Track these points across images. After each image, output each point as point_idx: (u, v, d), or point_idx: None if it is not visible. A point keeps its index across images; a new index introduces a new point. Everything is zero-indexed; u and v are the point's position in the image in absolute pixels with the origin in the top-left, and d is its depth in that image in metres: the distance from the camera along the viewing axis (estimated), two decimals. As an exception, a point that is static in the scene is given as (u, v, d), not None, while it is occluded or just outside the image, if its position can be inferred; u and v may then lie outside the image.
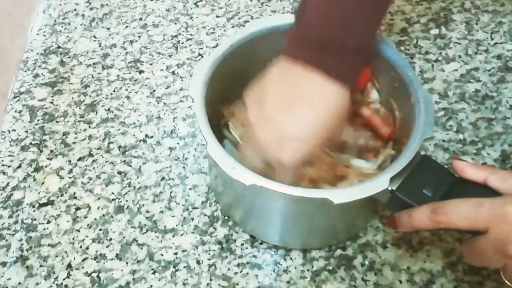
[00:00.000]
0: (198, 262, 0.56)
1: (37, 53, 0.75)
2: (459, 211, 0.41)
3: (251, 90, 0.49)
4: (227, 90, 0.56)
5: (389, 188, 0.46)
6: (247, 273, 0.55)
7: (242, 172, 0.46)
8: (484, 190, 0.43)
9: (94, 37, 0.77)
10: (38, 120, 0.68)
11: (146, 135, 0.66)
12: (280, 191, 0.46)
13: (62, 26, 0.79)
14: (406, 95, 0.52)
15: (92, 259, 0.56)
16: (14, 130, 0.67)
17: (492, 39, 0.76)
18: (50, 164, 0.64)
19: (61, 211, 0.60)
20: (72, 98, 0.70)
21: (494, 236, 0.40)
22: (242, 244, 0.57)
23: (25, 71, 0.73)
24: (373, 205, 0.49)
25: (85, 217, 0.59)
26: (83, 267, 0.56)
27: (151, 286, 0.54)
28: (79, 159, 0.64)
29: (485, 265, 0.42)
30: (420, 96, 0.51)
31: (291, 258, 0.56)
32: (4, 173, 0.63)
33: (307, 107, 0.46)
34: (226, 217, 0.59)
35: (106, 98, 0.70)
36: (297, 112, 0.46)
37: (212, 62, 0.54)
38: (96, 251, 0.57)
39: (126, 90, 0.71)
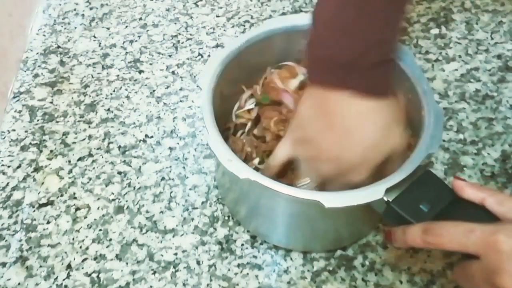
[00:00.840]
0: (198, 263, 0.56)
1: (37, 53, 0.75)
2: (450, 235, 0.40)
3: (292, 132, 0.50)
4: (237, 86, 0.56)
5: (385, 199, 0.45)
6: (247, 274, 0.55)
7: (238, 165, 0.46)
8: (481, 212, 0.42)
9: (94, 37, 0.77)
10: (38, 120, 0.68)
11: (146, 135, 0.66)
12: (272, 188, 0.45)
13: (62, 26, 0.79)
14: (417, 108, 0.52)
15: (92, 259, 0.56)
16: (14, 130, 0.67)
17: (492, 38, 0.76)
18: (50, 164, 0.64)
19: (61, 211, 0.60)
20: (72, 98, 0.70)
21: (484, 264, 0.39)
22: (242, 245, 0.57)
23: (25, 71, 0.73)
24: (374, 214, 0.49)
25: (85, 217, 0.59)
26: (83, 268, 0.56)
27: (151, 286, 0.54)
28: (79, 159, 0.64)
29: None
30: (431, 110, 0.51)
31: (291, 259, 0.56)
32: (3, 173, 0.63)
33: (354, 130, 0.46)
34: (226, 217, 0.59)
35: (106, 98, 0.70)
36: (346, 139, 0.46)
37: (226, 55, 0.54)
38: (96, 251, 0.57)
39: (126, 90, 0.71)
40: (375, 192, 0.45)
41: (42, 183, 0.62)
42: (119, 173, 0.63)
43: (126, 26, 0.79)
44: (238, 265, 0.56)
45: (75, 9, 0.81)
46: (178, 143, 0.65)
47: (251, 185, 0.46)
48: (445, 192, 0.45)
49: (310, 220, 0.52)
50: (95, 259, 0.56)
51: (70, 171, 0.63)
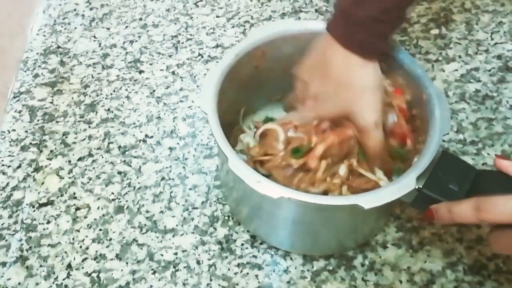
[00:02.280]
0: (198, 262, 0.56)
1: (37, 53, 0.75)
2: (504, 209, 0.41)
3: (301, 68, 0.55)
4: (237, 99, 0.57)
5: (416, 187, 0.46)
6: (247, 273, 0.55)
7: (268, 185, 0.46)
8: (510, 180, 0.43)
9: (94, 37, 0.77)
10: (38, 120, 0.68)
11: (146, 135, 0.66)
12: (310, 202, 0.45)
13: (62, 26, 0.79)
14: (417, 93, 0.53)
15: (92, 259, 0.56)
16: (14, 130, 0.67)
17: (492, 39, 0.76)
18: (50, 164, 0.64)
19: (61, 211, 0.60)
20: (72, 98, 0.70)
21: None
22: (242, 244, 0.57)
23: (25, 71, 0.73)
24: (391, 209, 0.49)
25: (85, 217, 0.59)
26: (83, 267, 0.56)
27: (151, 286, 0.54)
28: (79, 159, 0.64)
29: None
30: (432, 93, 0.51)
31: (291, 258, 0.56)
32: (4, 173, 0.63)
33: (340, 75, 0.51)
34: (226, 217, 0.59)
35: (106, 98, 0.70)
36: (330, 79, 0.51)
37: (220, 73, 0.54)
38: (96, 251, 0.57)
39: (126, 90, 0.71)
40: (407, 184, 0.46)
41: (42, 183, 0.62)
42: (119, 173, 0.63)
43: (126, 27, 0.79)
44: (238, 265, 0.56)
45: (75, 10, 0.82)
46: (178, 143, 0.65)
47: (282, 201, 0.46)
48: (468, 169, 0.46)
49: (316, 223, 0.52)
50: (95, 258, 0.56)
51: (70, 171, 0.63)
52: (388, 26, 0.51)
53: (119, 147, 0.65)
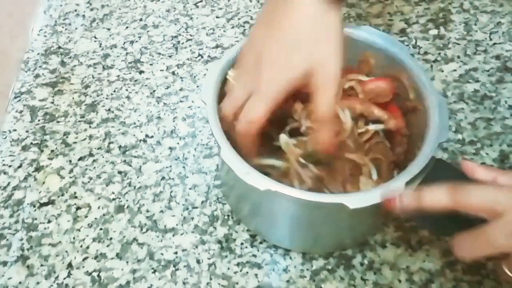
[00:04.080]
0: (198, 261, 0.56)
1: (38, 54, 0.76)
2: (479, 194, 0.41)
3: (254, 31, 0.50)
4: None
5: None
6: (247, 272, 0.55)
7: (256, 177, 0.46)
8: None
9: (95, 37, 0.78)
10: (38, 120, 0.68)
11: (146, 135, 0.67)
12: (295, 196, 0.45)
13: (62, 27, 0.79)
14: (419, 99, 0.53)
15: (92, 258, 0.56)
16: (15, 130, 0.67)
17: (491, 39, 0.77)
18: (50, 164, 0.64)
19: (61, 211, 0.60)
20: (73, 98, 0.70)
21: (510, 219, 0.39)
22: (242, 244, 0.57)
23: (26, 71, 0.73)
24: (379, 216, 0.50)
25: (86, 216, 0.59)
26: (83, 267, 0.56)
27: (151, 285, 0.55)
28: (80, 159, 0.64)
29: (485, 253, 0.41)
30: (434, 100, 0.51)
31: (290, 258, 0.56)
32: (5, 173, 0.63)
33: (289, 29, 0.47)
34: (226, 217, 0.59)
35: (106, 98, 0.70)
36: (276, 31, 0.47)
37: (224, 65, 0.54)
38: (97, 250, 0.57)
39: (127, 90, 0.71)
40: (395, 188, 0.45)
41: (43, 182, 0.62)
42: (120, 172, 0.63)
43: (127, 27, 0.79)
44: (238, 264, 0.56)
45: (76, 10, 0.82)
46: (178, 143, 0.66)
47: (269, 194, 0.46)
48: (459, 177, 0.46)
49: (317, 221, 0.52)
50: (95, 258, 0.56)
51: (71, 171, 0.63)
52: None
53: (120, 147, 0.66)
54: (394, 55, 0.55)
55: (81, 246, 0.57)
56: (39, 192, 0.61)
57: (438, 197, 0.42)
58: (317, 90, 0.47)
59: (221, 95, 0.52)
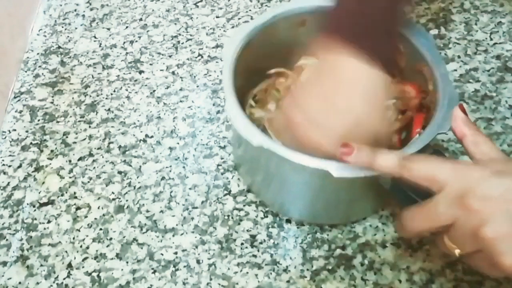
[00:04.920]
0: (198, 262, 0.56)
1: (38, 53, 0.76)
2: (424, 163, 0.42)
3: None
4: (257, 65, 0.57)
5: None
6: (247, 273, 0.55)
7: (253, 132, 0.47)
8: None
9: (95, 37, 0.78)
10: (38, 120, 0.68)
11: (146, 135, 0.67)
12: (284, 156, 0.46)
13: (62, 27, 0.79)
14: (433, 91, 0.53)
15: (92, 258, 0.56)
16: (15, 130, 0.67)
17: (491, 39, 0.77)
18: (50, 164, 0.64)
19: (61, 211, 0.60)
20: (73, 98, 0.70)
21: (452, 189, 0.40)
22: (242, 244, 0.57)
23: (26, 71, 0.73)
24: (378, 191, 0.50)
25: (86, 216, 0.59)
26: (83, 267, 0.56)
27: (151, 285, 0.55)
28: (80, 159, 0.64)
29: (428, 225, 0.41)
30: (446, 93, 0.51)
31: (290, 258, 0.56)
32: (4, 173, 0.63)
33: (343, 97, 0.47)
34: (226, 217, 0.59)
35: (106, 98, 0.70)
36: (333, 106, 0.47)
37: (251, 29, 0.54)
38: (96, 250, 0.57)
39: (126, 90, 0.71)
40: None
41: (43, 182, 0.62)
42: (120, 172, 0.63)
43: (127, 27, 0.79)
44: (238, 264, 0.56)
45: (75, 10, 0.82)
46: (178, 143, 0.66)
47: (263, 151, 0.47)
48: None
49: (314, 189, 0.53)
50: (95, 258, 0.56)
51: (71, 171, 0.63)
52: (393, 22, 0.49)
53: (119, 147, 0.65)
54: (417, 45, 0.55)
55: (81, 246, 0.57)
56: (39, 192, 0.61)
57: (389, 161, 0.43)
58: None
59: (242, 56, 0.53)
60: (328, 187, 0.52)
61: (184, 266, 0.56)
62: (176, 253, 0.57)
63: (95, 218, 0.59)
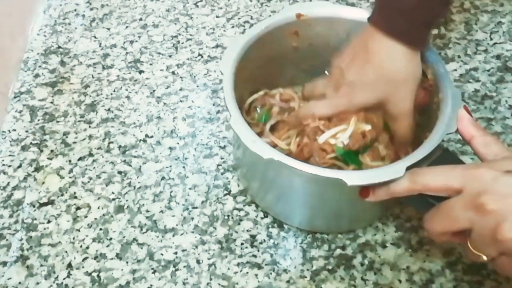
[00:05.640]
0: (198, 262, 0.56)
1: (38, 53, 0.76)
2: (435, 172, 0.43)
3: (340, 55, 0.55)
4: (256, 74, 0.57)
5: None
6: (247, 273, 0.55)
7: (261, 146, 0.47)
8: None
9: (94, 37, 0.78)
10: (38, 120, 0.68)
11: (146, 135, 0.67)
12: (296, 168, 0.46)
13: (62, 26, 0.79)
14: (435, 90, 0.53)
15: (92, 258, 0.56)
16: (15, 130, 0.67)
17: (491, 39, 0.76)
18: (50, 163, 0.64)
19: (61, 211, 0.60)
20: (73, 98, 0.70)
21: (467, 192, 0.41)
22: (242, 244, 0.57)
23: (26, 71, 0.73)
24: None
25: (85, 216, 0.59)
26: (83, 267, 0.56)
27: (151, 285, 0.55)
28: (79, 159, 0.64)
29: (447, 226, 0.42)
30: (449, 92, 0.52)
31: (290, 258, 0.56)
32: (4, 173, 0.63)
33: (380, 63, 0.51)
34: (226, 217, 0.59)
35: (106, 98, 0.70)
36: (369, 64, 0.52)
37: (246, 41, 0.55)
38: (96, 250, 0.57)
39: (126, 90, 0.71)
40: (396, 170, 0.46)
41: (43, 182, 0.62)
42: (119, 172, 0.63)
43: (127, 27, 0.79)
44: (238, 264, 0.56)
45: (75, 10, 0.82)
46: (178, 143, 0.66)
47: (273, 164, 0.47)
48: None
49: (329, 198, 0.53)
50: (95, 258, 0.56)
51: (71, 171, 0.63)
52: (432, 13, 0.51)
53: (119, 146, 0.65)
54: None
55: (80, 246, 0.57)
56: (39, 192, 0.61)
57: (401, 185, 0.45)
58: (395, 119, 0.54)
59: (239, 68, 0.54)
60: (340, 196, 0.52)
61: (184, 266, 0.56)
62: (176, 253, 0.57)
63: (95, 218, 0.59)
